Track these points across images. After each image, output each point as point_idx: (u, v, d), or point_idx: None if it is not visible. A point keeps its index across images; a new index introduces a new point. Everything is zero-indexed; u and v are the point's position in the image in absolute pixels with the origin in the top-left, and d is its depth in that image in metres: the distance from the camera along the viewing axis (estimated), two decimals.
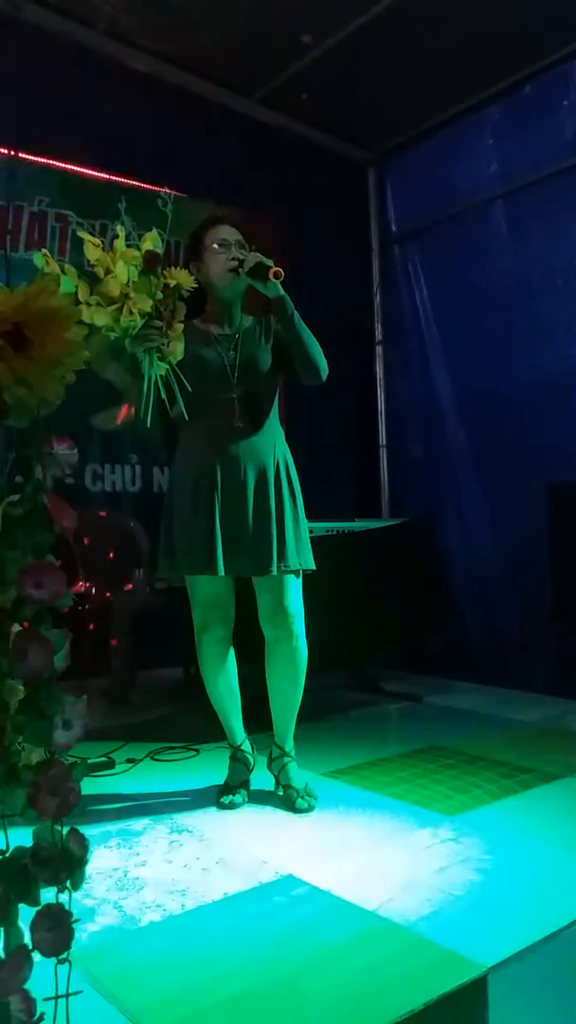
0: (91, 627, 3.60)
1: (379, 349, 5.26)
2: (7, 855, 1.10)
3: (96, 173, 4.03)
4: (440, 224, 4.79)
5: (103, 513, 4.03)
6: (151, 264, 1.97)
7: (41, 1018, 1.12)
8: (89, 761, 2.70)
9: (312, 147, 4.91)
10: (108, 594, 3.74)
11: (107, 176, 4.05)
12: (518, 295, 4.29)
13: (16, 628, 1.12)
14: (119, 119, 4.02)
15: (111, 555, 3.87)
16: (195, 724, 3.05)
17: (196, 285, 2.15)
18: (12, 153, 3.81)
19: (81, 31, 3.92)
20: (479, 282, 4.51)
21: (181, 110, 4.29)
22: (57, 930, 1.11)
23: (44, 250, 1.80)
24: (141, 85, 4.17)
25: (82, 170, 4.01)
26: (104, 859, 2.05)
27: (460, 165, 4.62)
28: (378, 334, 5.26)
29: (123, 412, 2.27)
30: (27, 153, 3.85)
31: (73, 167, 4.00)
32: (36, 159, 3.90)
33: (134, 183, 4.01)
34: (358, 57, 4.10)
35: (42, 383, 1.12)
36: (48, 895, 1.12)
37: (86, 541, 3.71)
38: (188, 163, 4.22)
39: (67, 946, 1.12)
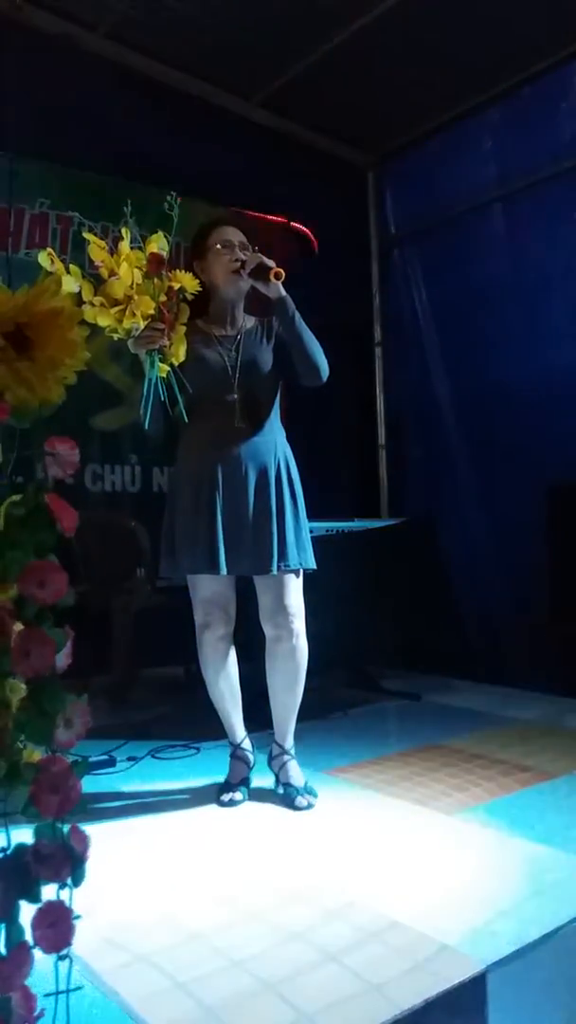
0: (92, 626, 3.61)
1: (378, 351, 5.27)
2: (9, 852, 1.11)
3: (97, 175, 4.03)
4: (439, 227, 4.79)
5: (103, 513, 4.05)
6: (155, 267, 1.98)
7: (42, 1014, 1.13)
8: (90, 759, 2.72)
9: (312, 150, 4.91)
10: (109, 593, 3.75)
11: (108, 178, 4.05)
12: (517, 297, 4.30)
13: (18, 627, 1.13)
14: (120, 122, 4.02)
15: (112, 554, 3.88)
16: (196, 722, 3.05)
17: (201, 287, 2.17)
18: (13, 154, 3.81)
19: (82, 33, 3.92)
20: (478, 284, 4.51)
21: (181, 113, 4.29)
22: (58, 927, 1.12)
23: (49, 248, 1.81)
24: (141, 88, 4.17)
25: (83, 172, 4.01)
26: (105, 857, 2.06)
27: (459, 168, 4.62)
28: (377, 336, 5.27)
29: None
30: (28, 154, 3.86)
31: (74, 169, 4.00)
32: (37, 161, 3.90)
33: (136, 185, 4.01)
34: (357, 60, 4.10)
35: (43, 384, 1.13)
36: (49, 892, 1.13)
37: (86, 541, 3.71)
38: (188, 166, 4.22)
39: (68, 943, 1.13)
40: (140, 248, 2.03)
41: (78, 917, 1.14)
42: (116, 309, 1.96)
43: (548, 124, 4.16)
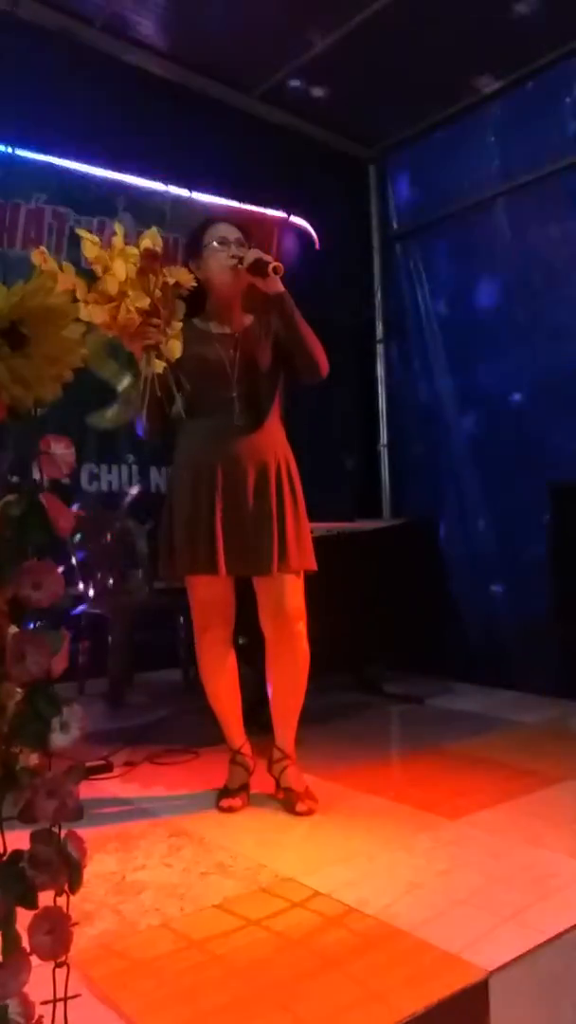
0: (90, 628, 3.59)
1: (380, 347, 5.26)
2: (5, 858, 1.09)
3: (94, 170, 4.02)
4: (442, 221, 4.78)
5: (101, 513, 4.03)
6: (150, 262, 1.97)
7: (39, 1022, 1.11)
8: (87, 764, 2.70)
9: (313, 144, 4.91)
10: (106, 595, 3.73)
11: (105, 173, 4.04)
12: (520, 293, 4.29)
13: (13, 629, 1.11)
14: (118, 116, 4.02)
15: (109, 555, 3.86)
16: (194, 727, 3.04)
17: (196, 284, 2.15)
18: (9, 150, 3.81)
19: (79, 27, 3.91)
20: (481, 280, 4.50)
21: (180, 107, 4.29)
22: (55, 933, 1.10)
23: (41, 247, 1.79)
24: (140, 82, 4.16)
25: (80, 167, 4.00)
26: (103, 863, 2.04)
27: (462, 162, 4.61)
28: (379, 332, 5.26)
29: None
30: (24, 150, 3.85)
31: (71, 164, 3.99)
32: (34, 156, 3.89)
33: (132, 180, 4.00)
34: (360, 53, 4.09)
35: (39, 381, 1.11)
36: (46, 898, 1.11)
37: (83, 541, 3.70)
38: (187, 160, 4.22)
39: (65, 950, 1.11)
40: (135, 244, 2.01)
41: (76, 924, 1.13)
42: (110, 305, 1.94)
43: (551, 118, 4.16)
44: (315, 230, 4.75)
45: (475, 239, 4.56)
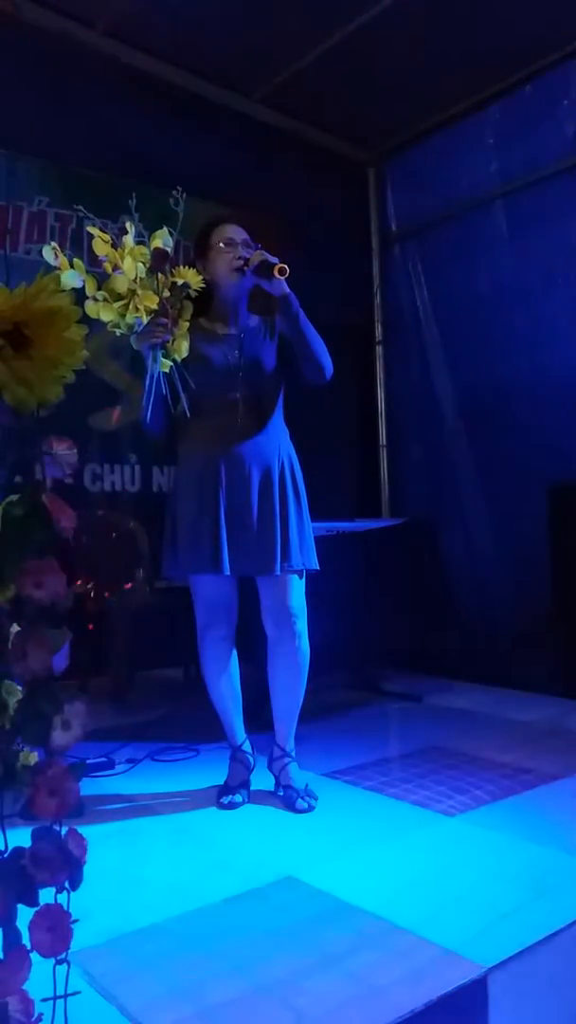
0: (91, 627, 3.60)
1: (379, 349, 5.26)
2: (6, 855, 1.10)
3: (96, 173, 4.02)
4: (440, 223, 4.78)
5: (102, 512, 4.03)
6: (160, 262, 1.97)
7: (39, 1019, 1.12)
8: (88, 761, 2.71)
9: (312, 147, 4.91)
10: (108, 594, 3.73)
11: (107, 176, 4.04)
12: (518, 295, 4.29)
13: (15, 628, 1.12)
14: (119, 119, 4.02)
15: (111, 555, 3.87)
16: (195, 724, 3.04)
17: (204, 285, 2.15)
18: (12, 152, 3.81)
19: (80, 30, 3.91)
20: (479, 282, 4.51)
21: (180, 110, 4.29)
22: (56, 931, 1.11)
23: (54, 243, 1.80)
24: (140, 85, 4.16)
25: (82, 170, 4.00)
26: (104, 859, 2.05)
27: (460, 164, 4.61)
28: (378, 334, 5.26)
29: (115, 416, 2.32)
30: (26, 153, 3.85)
31: (73, 167, 3.99)
32: (36, 158, 3.89)
33: (135, 183, 3.99)
34: (358, 56, 4.09)
35: (42, 383, 1.12)
36: (47, 895, 1.12)
37: (85, 541, 3.71)
38: (187, 163, 4.21)
39: (66, 947, 1.12)
40: (143, 243, 2.02)
41: (76, 921, 1.14)
42: (119, 304, 1.95)
43: (550, 121, 4.16)
44: (315, 232, 4.74)
45: (473, 241, 4.56)
